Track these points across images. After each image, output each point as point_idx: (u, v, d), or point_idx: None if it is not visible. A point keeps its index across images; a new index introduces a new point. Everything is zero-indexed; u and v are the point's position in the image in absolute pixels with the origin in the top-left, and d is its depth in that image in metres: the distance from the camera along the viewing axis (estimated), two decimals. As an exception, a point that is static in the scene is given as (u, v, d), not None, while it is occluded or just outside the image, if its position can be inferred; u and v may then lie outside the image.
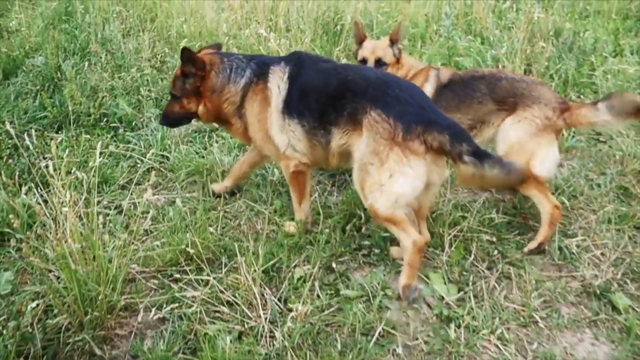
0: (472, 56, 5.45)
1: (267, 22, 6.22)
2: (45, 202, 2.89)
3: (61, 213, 2.48)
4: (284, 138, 2.96)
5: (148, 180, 3.70)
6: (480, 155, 2.50)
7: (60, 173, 2.60)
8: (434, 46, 5.67)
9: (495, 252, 3.07)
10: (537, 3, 6.57)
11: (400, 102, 2.60)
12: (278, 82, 2.94)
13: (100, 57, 5.17)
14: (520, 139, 3.09)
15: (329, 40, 5.98)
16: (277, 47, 5.59)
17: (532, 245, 3.09)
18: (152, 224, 3.27)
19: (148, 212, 2.96)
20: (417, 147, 2.53)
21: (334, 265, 2.90)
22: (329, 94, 2.81)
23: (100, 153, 3.86)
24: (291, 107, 2.90)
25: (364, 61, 3.71)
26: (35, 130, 4.15)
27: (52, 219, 2.57)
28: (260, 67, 3.03)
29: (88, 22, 5.82)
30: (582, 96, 4.99)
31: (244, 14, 6.22)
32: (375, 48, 3.70)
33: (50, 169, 2.53)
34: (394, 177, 2.57)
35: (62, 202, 2.48)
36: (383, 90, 2.67)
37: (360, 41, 3.78)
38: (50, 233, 2.52)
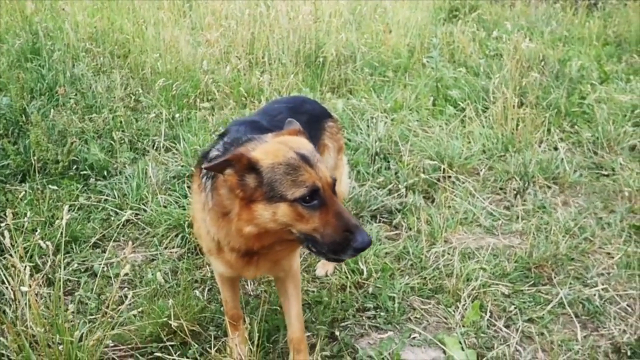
0: (462, 87, 5.29)
1: (246, 56, 5.98)
2: (5, 267, 2.53)
3: (21, 294, 2.12)
4: None
5: (124, 236, 3.39)
6: None
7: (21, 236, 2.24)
8: (422, 78, 5.49)
9: (512, 307, 2.79)
10: (519, 32, 6.49)
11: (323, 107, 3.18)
12: None
13: (69, 98, 4.81)
14: None
15: (311, 73, 5.76)
16: (259, 83, 5.34)
17: None
18: (128, 288, 2.91)
19: (124, 274, 2.55)
20: None
21: (336, 332, 2.58)
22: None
23: (69, 206, 3.52)
24: None
25: None
26: (-4, 182, 3.80)
27: (11, 299, 2.20)
28: None
29: (56, 59, 5.47)
30: (576, 126, 4.83)
31: (222, 48, 5.96)
32: None
33: (7, 239, 2.16)
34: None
35: (22, 280, 2.12)
36: (319, 107, 3.11)
37: None
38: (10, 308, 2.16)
